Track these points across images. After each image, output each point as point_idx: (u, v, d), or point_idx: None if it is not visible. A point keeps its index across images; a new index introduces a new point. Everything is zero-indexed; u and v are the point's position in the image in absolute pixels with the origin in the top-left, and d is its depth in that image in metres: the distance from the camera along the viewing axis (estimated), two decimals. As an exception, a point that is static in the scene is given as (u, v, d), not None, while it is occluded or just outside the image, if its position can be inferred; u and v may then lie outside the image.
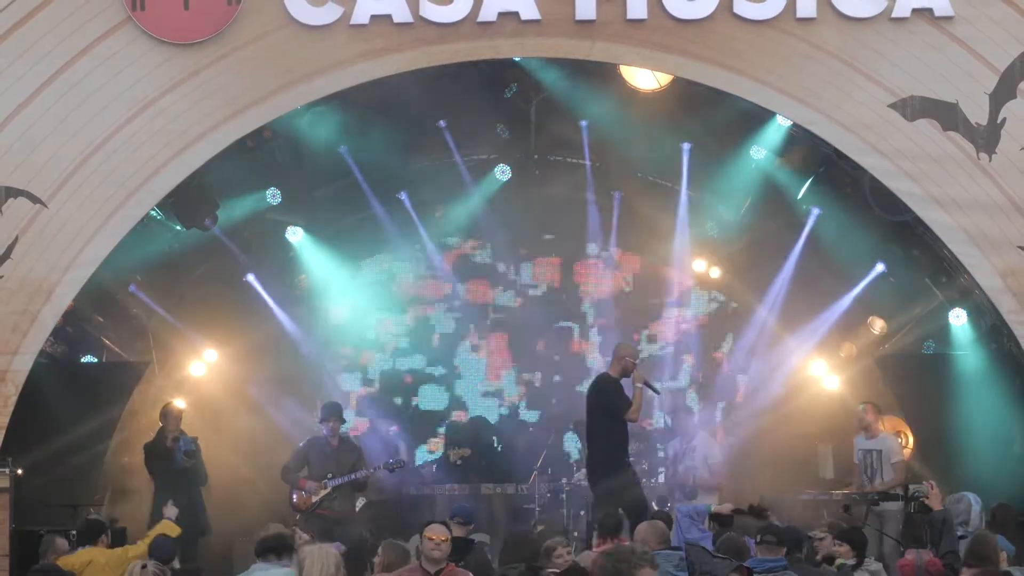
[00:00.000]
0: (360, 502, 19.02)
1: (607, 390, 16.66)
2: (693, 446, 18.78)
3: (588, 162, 20.18)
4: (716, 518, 14.58)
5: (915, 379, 19.58)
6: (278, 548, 11.59)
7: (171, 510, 16.43)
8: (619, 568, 7.56)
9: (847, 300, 19.88)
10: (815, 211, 19.41)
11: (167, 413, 19.27)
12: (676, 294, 21.40)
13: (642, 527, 13.48)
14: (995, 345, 18.49)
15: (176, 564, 15.21)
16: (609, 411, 16.53)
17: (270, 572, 10.64)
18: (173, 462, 18.83)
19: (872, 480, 18.10)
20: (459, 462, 20.05)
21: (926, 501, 12.34)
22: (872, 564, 13.72)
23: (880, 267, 19.59)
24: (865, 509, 17.72)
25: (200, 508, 18.81)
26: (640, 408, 16.69)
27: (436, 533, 12.51)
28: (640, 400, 16.55)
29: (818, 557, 13.55)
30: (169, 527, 15.99)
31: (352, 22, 16.87)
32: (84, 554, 15.09)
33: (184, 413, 19.41)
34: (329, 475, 18.40)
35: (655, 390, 17.27)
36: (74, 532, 17.60)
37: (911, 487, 12.57)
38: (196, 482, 18.99)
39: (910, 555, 11.62)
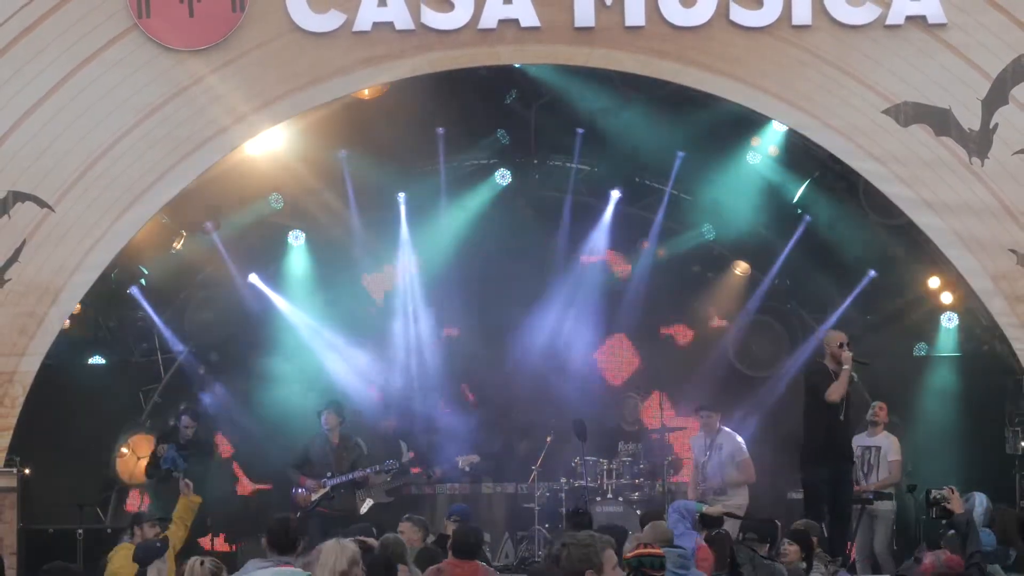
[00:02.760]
0: (367, 504, 19.05)
1: (809, 375, 16.87)
2: (719, 443, 18.54)
3: (586, 167, 20.32)
4: (704, 519, 14.70)
5: (907, 381, 19.75)
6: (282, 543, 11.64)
7: (185, 486, 16.21)
8: (586, 553, 7.98)
9: (841, 311, 20.09)
10: (807, 218, 19.61)
11: (179, 418, 19.13)
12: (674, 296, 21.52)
13: (646, 529, 13.69)
14: (986, 347, 18.68)
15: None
16: (813, 396, 16.60)
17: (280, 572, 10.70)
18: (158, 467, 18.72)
19: (867, 477, 18.20)
20: (468, 468, 20.13)
21: (947, 506, 12.51)
22: (829, 568, 13.87)
23: (872, 273, 19.75)
24: (860, 509, 17.87)
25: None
26: (842, 387, 16.43)
27: None
28: (844, 380, 16.40)
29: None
30: (186, 504, 15.81)
31: (354, 29, 17.08)
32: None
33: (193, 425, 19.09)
34: (328, 474, 18.47)
35: (864, 363, 17.02)
36: (80, 531, 17.89)
37: (932, 492, 12.71)
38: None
39: (928, 557, 11.74)
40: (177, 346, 20.25)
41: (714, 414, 18.69)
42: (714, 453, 18.40)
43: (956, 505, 12.31)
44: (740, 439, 18.70)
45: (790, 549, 13.46)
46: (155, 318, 19.87)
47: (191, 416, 18.87)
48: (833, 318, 20.07)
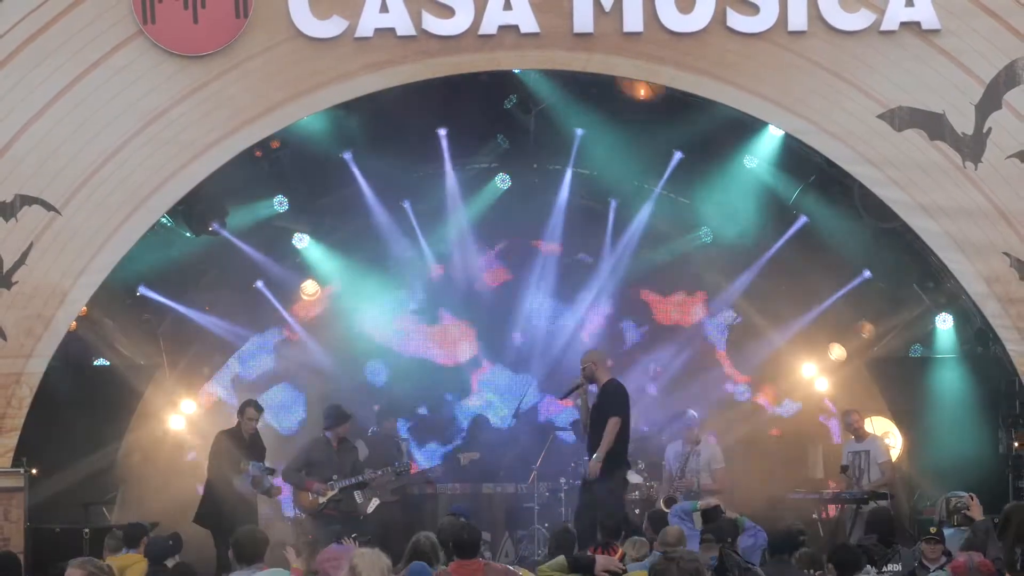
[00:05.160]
0: (374, 504, 19.12)
1: None
2: (698, 450, 18.69)
3: (584, 170, 20.45)
4: (703, 514, 14.88)
5: (903, 382, 19.89)
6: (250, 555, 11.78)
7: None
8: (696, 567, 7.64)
9: (829, 303, 20.25)
10: (802, 219, 19.79)
11: (243, 411, 18.47)
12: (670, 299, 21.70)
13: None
14: (981, 348, 18.80)
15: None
16: None
17: None
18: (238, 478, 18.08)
19: (859, 481, 18.37)
20: (467, 464, 20.29)
21: (967, 513, 12.64)
22: None
23: (866, 274, 19.91)
24: (855, 509, 18.01)
25: (254, 516, 18.33)
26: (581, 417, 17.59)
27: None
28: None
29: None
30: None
31: (357, 35, 17.24)
32: (126, 558, 14.79)
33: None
34: (335, 476, 18.56)
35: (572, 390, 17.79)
36: (86, 531, 18.06)
37: (952, 500, 12.86)
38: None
39: (962, 556, 11.87)
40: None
41: (694, 428, 18.85)
42: (692, 458, 18.53)
43: (976, 512, 12.46)
44: (719, 449, 18.85)
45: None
46: (175, 306, 20.05)
47: (255, 408, 18.46)
48: (815, 312, 20.26)
